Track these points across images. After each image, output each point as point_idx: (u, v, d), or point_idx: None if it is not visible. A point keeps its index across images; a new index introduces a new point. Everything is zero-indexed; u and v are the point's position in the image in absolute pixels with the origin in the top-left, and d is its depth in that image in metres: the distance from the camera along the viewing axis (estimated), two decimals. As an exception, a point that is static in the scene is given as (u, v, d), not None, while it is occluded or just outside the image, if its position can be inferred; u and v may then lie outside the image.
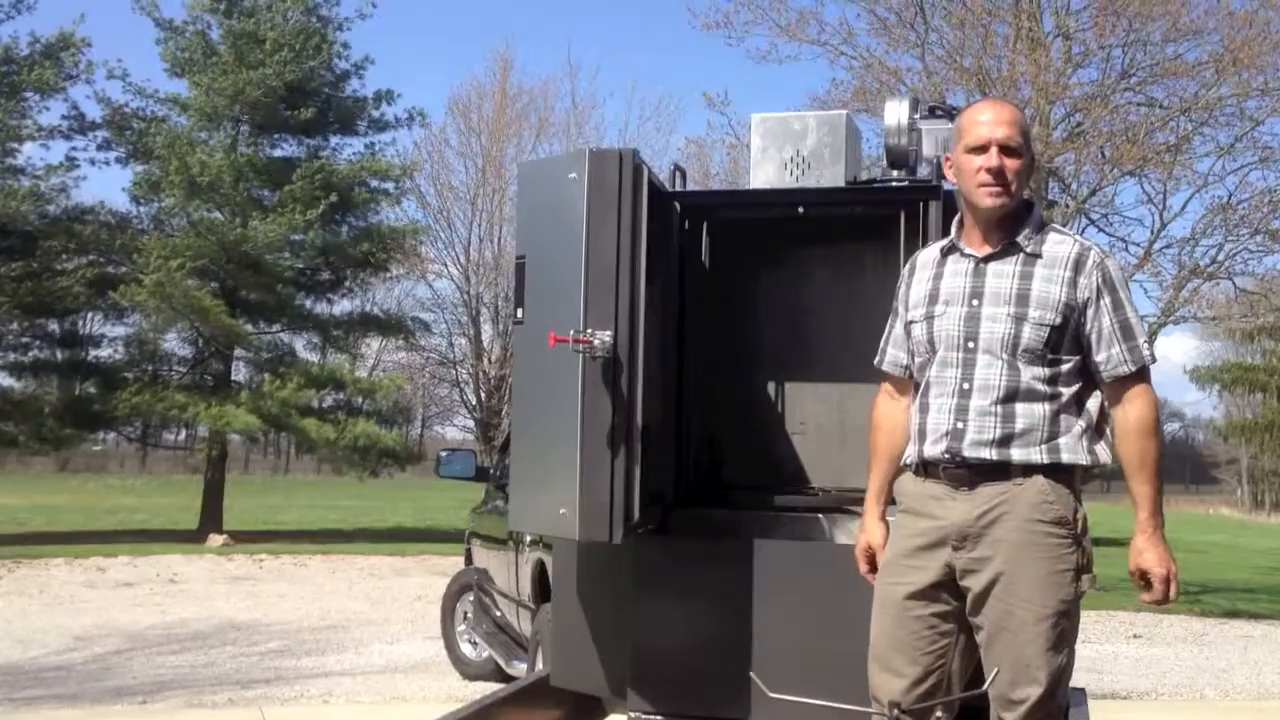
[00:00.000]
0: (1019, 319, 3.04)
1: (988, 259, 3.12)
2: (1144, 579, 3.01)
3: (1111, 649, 10.51)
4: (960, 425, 3.06)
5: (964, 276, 3.14)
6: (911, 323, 3.22)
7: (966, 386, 3.07)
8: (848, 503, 4.30)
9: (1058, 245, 3.11)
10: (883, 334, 3.42)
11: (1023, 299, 3.05)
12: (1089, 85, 15.21)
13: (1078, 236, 3.21)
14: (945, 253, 3.23)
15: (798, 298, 4.66)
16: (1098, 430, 3.10)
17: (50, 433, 20.61)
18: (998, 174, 3.06)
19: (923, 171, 4.32)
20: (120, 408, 20.40)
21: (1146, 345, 3.08)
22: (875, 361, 3.41)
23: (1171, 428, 72.45)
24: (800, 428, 4.64)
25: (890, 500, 3.34)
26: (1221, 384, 20.73)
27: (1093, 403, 3.09)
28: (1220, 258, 15.68)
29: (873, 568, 3.30)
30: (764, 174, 4.43)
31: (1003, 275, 3.09)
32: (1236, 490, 62.25)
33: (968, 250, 3.16)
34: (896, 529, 3.22)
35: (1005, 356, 3.04)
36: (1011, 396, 3.03)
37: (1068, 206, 14.41)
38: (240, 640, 10.08)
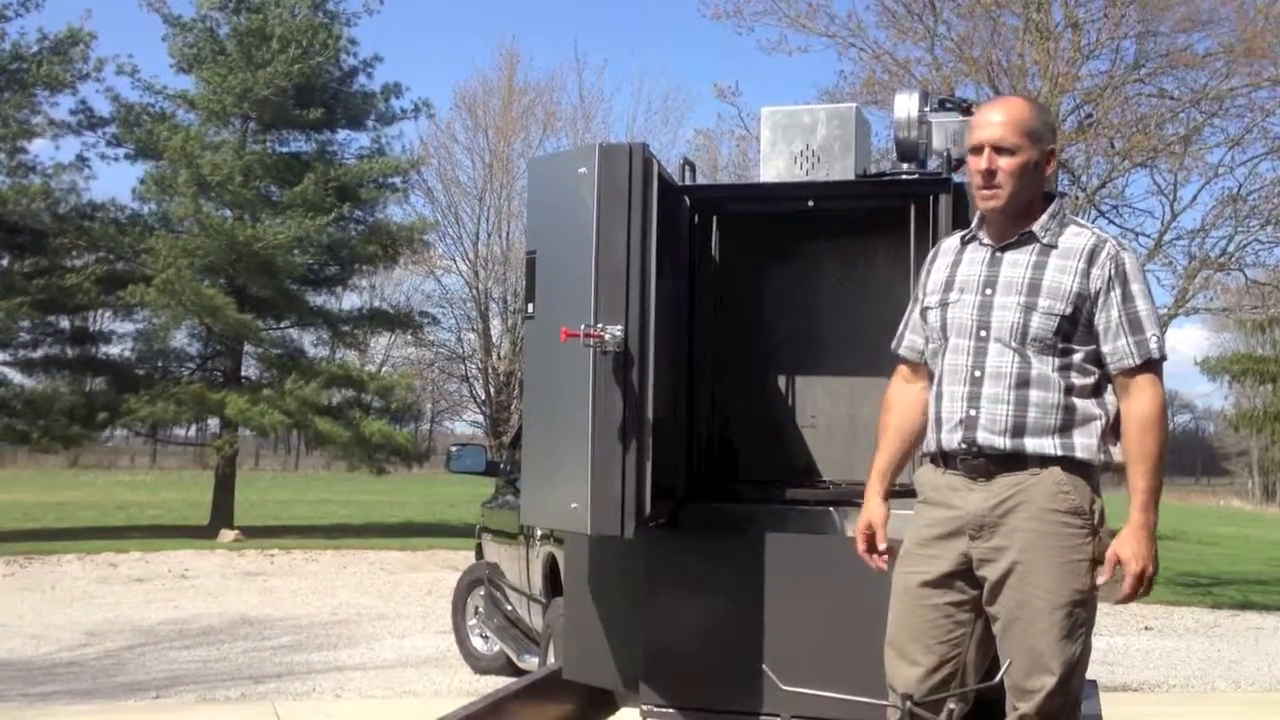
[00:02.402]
0: (1029, 308, 3.05)
1: (1004, 248, 3.15)
2: (1119, 569, 2.99)
3: (1123, 641, 10.51)
4: (973, 413, 3.07)
5: (980, 265, 3.16)
6: (927, 309, 3.25)
7: (978, 374, 3.09)
8: (858, 496, 4.28)
9: (1075, 237, 3.12)
10: (898, 324, 3.43)
11: (1034, 288, 3.06)
12: (1099, 76, 15.20)
13: (1096, 229, 3.21)
14: (965, 241, 3.26)
15: (808, 291, 4.65)
16: (1115, 428, 3.09)
17: (61, 430, 20.65)
18: (986, 175, 3.09)
19: (933, 164, 4.31)
20: (131, 405, 20.43)
21: (1155, 340, 3.05)
22: (892, 346, 3.42)
23: (1182, 419, 72.32)
24: (811, 421, 4.63)
25: (894, 482, 3.34)
26: (1231, 375, 20.63)
27: (1111, 397, 3.09)
28: (1231, 249, 15.71)
29: (871, 547, 3.28)
30: (774, 167, 4.42)
31: (1017, 265, 3.11)
32: (1248, 482, 62.10)
33: (985, 240, 3.19)
34: (915, 518, 3.24)
35: (1015, 345, 3.06)
36: (1023, 384, 3.04)
37: (1078, 198, 14.39)
38: (252, 635, 10.12)
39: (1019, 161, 3.07)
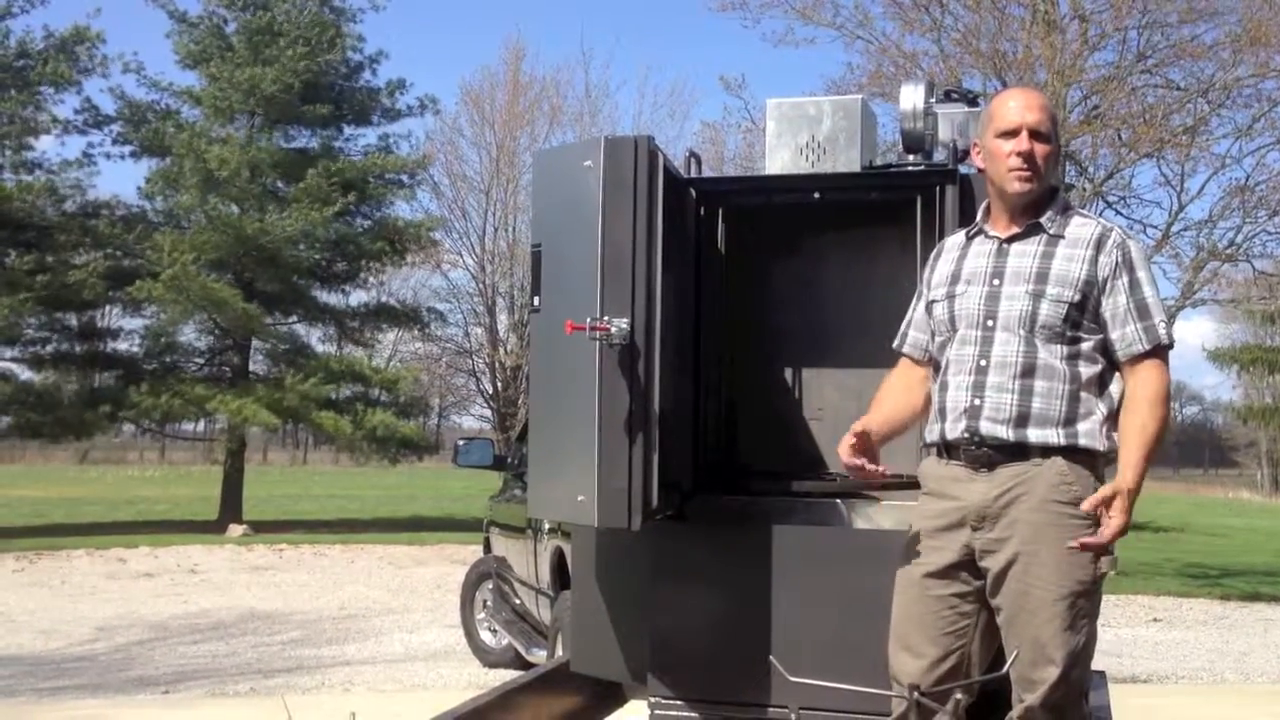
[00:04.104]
0: (1037, 296, 3.06)
1: (1010, 240, 3.16)
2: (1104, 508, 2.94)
3: (1131, 632, 10.50)
4: (977, 402, 3.07)
5: (986, 257, 3.17)
6: (933, 302, 3.25)
7: (984, 363, 3.09)
8: (865, 488, 4.30)
9: (1080, 227, 3.14)
10: (902, 318, 3.44)
11: (1042, 276, 3.07)
12: (1105, 67, 15.16)
13: (1100, 219, 3.24)
14: (970, 236, 3.27)
15: (814, 283, 4.65)
16: (1117, 416, 3.10)
17: (70, 421, 20.69)
18: (1028, 158, 3.08)
19: (939, 156, 4.30)
20: (140, 401, 20.48)
21: (1163, 326, 3.08)
22: (894, 345, 3.43)
23: (1190, 411, 72.13)
24: (818, 413, 4.63)
25: (879, 437, 3.25)
26: (1240, 365, 20.62)
27: (1115, 387, 3.10)
28: (1238, 240, 15.66)
29: (857, 452, 3.13)
30: (779, 159, 4.41)
31: (1024, 255, 3.12)
32: (1256, 473, 61.97)
33: (992, 232, 3.20)
34: (918, 509, 3.24)
35: (1023, 333, 3.06)
36: (1029, 373, 3.04)
37: (1084, 190, 14.35)
38: (261, 630, 10.15)
39: (1052, 150, 3.13)
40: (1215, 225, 15.67)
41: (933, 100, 4.30)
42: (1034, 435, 3.03)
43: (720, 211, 4.60)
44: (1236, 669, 8.88)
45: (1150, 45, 14.97)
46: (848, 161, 4.33)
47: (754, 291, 4.67)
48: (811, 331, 4.64)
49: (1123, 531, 2.94)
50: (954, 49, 15.06)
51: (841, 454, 3.16)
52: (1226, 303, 18.40)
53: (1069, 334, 3.06)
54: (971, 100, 4.35)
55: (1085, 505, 2.95)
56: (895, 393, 3.38)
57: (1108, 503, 2.92)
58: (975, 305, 3.13)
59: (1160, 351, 3.07)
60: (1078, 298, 3.05)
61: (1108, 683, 4.65)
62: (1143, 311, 3.06)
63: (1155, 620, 11.46)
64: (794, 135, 4.39)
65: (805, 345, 4.65)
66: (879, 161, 4.51)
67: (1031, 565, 3.01)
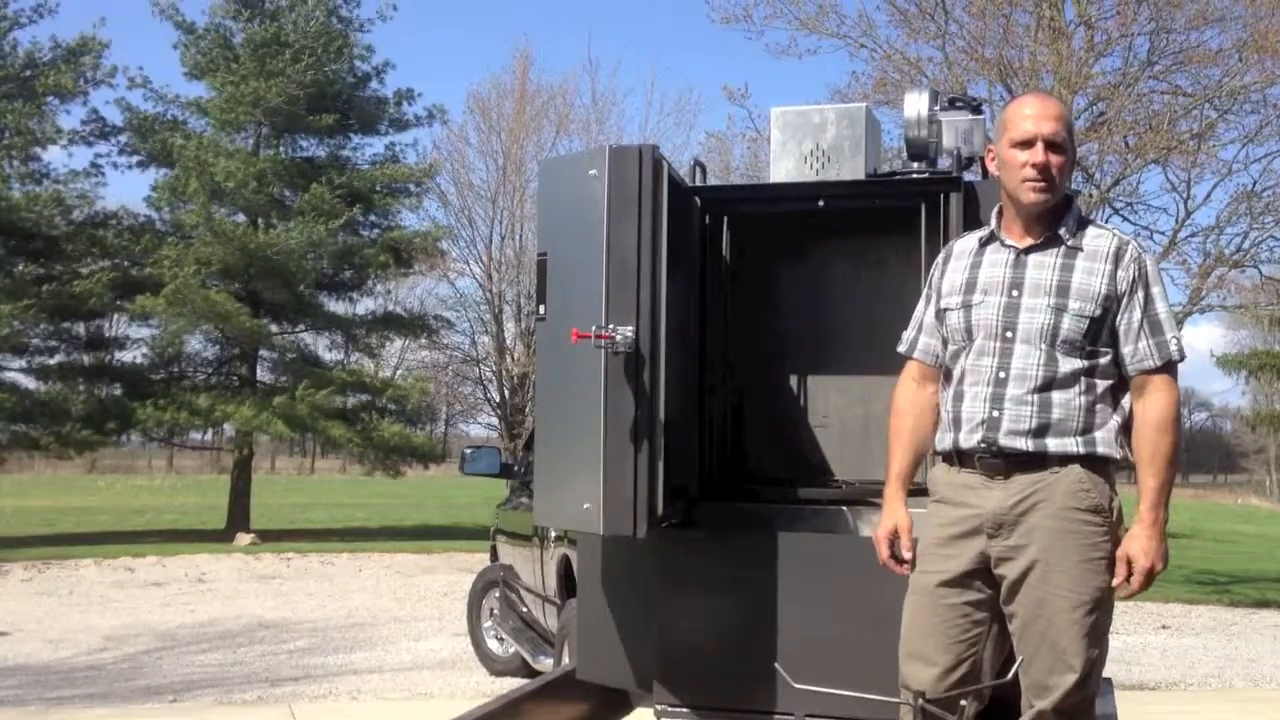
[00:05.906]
0: (1059, 310, 3.05)
1: (1028, 250, 3.14)
2: (1128, 567, 3.00)
3: (1140, 639, 10.47)
4: (996, 414, 3.06)
5: (1004, 267, 3.15)
6: (946, 310, 3.23)
7: (1003, 375, 3.08)
8: (871, 495, 4.30)
9: (1097, 239, 3.13)
10: (909, 323, 3.41)
11: (1063, 290, 3.06)
12: (1111, 74, 15.14)
13: (1116, 230, 3.22)
14: (984, 242, 3.24)
15: (819, 291, 4.66)
16: (1130, 426, 3.10)
17: (74, 437, 20.70)
18: (1043, 170, 3.06)
19: (943, 163, 4.31)
20: (147, 416, 20.48)
21: (1175, 342, 3.08)
22: (902, 349, 3.40)
23: (1199, 417, 71.91)
24: (823, 421, 4.64)
25: (914, 486, 3.32)
26: (1249, 371, 20.55)
27: (1128, 399, 3.10)
28: (1246, 245, 15.63)
29: (893, 553, 3.22)
30: (784, 168, 4.43)
31: (1043, 267, 3.10)
32: (1265, 480, 61.82)
33: (1008, 241, 3.17)
34: (929, 518, 3.22)
35: (1044, 347, 3.05)
36: (1048, 386, 3.04)
37: (1091, 196, 14.33)
38: (269, 639, 10.15)
39: (1067, 161, 3.11)
40: (1222, 231, 15.65)
41: (937, 108, 4.31)
42: (1053, 445, 3.03)
43: (725, 219, 4.61)
44: (1245, 676, 8.85)
45: (1157, 51, 14.96)
46: (852, 169, 4.35)
47: (759, 299, 4.68)
48: (816, 338, 4.65)
49: (1152, 571, 2.99)
50: (959, 56, 15.06)
51: (884, 550, 3.23)
52: (1234, 309, 18.35)
53: (1088, 347, 3.05)
54: (975, 108, 4.36)
55: (1122, 589, 3.02)
56: (914, 422, 3.31)
57: (1129, 557, 2.99)
58: (994, 316, 3.11)
59: (1171, 367, 3.08)
60: (1099, 312, 3.04)
61: (1114, 690, 4.65)
62: (1155, 327, 3.07)
63: (1164, 627, 11.43)
64: (798, 143, 4.40)
65: (810, 352, 4.65)
66: (883, 169, 4.53)
67: (1050, 572, 3.00)
